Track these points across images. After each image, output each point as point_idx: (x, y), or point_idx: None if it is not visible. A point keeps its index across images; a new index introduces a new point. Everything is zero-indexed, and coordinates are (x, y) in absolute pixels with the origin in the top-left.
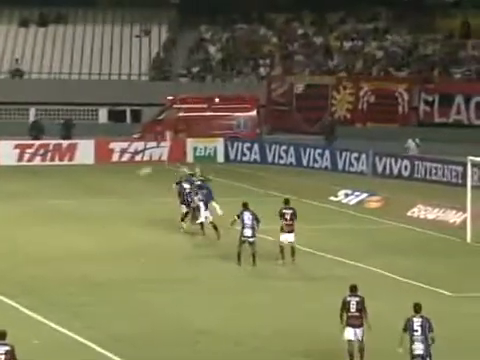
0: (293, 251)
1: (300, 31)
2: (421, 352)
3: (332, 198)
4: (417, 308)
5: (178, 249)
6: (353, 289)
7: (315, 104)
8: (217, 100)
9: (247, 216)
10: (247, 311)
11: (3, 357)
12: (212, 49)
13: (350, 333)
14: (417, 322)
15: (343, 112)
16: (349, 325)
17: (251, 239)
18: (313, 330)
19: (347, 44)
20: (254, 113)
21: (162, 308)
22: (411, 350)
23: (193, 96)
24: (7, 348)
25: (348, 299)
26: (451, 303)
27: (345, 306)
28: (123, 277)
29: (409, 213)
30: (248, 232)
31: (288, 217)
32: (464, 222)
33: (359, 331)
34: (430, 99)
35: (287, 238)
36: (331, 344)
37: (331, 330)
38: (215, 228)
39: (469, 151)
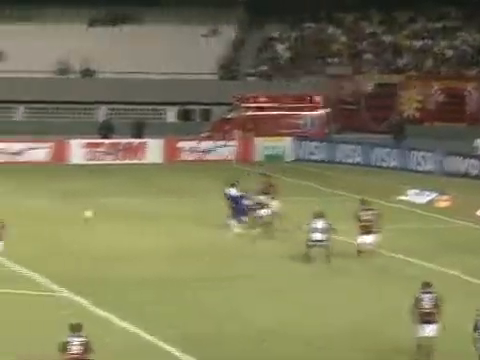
0: (371, 253)
1: (369, 30)
2: None
3: (401, 197)
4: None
5: (242, 248)
6: (426, 286)
7: (384, 103)
8: (285, 99)
9: (320, 223)
10: (313, 310)
11: (79, 348)
12: (280, 48)
13: (423, 330)
14: None
15: (412, 111)
16: (422, 322)
17: (320, 243)
18: (380, 330)
19: (417, 43)
20: (322, 112)
21: (227, 306)
22: None
23: (261, 95)
24: (83, 339)
25: (421, 296)
26: None
27: (417, 303)
28: (188, 276)
29: (478, 212)
30: (318, 236)
31: (366, 218)
32: None
33: (432, 327)
34: None
35: (365, 240)
36: (398, 343)
37: (398, 330)
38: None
39: None
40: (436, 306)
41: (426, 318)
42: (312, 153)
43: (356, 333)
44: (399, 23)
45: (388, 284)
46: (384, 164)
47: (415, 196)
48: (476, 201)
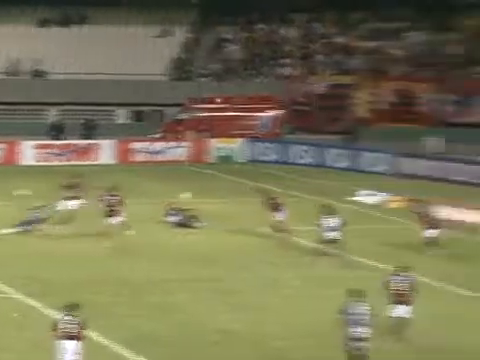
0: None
1: (321, 31)
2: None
3: (353, 198)
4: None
5: (203, 251)
6: (402, 269)
7: (336, 104)
8: (238, 100)
9: (332, 220)
10: (272, 312)
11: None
12: (232, 49)
13: (396, 310)
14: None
15: (364, 112)
16: (396, 302)
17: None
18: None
19: (368, 44)
20: (275, 113)
21: (184, 308)
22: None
23: (214, 96)
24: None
25: (394, 278)
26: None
27: (388, 284)
28: (147, 277)
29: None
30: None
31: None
32: None
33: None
34: (451, 99)
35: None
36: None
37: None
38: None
39: None
40: (410, 289)
41: (400, 299)
42: (264, 154)
43: (317, 335)
44: (351, 24)
45: (335, 287)
46: (336, 165)
47: (366, 197)
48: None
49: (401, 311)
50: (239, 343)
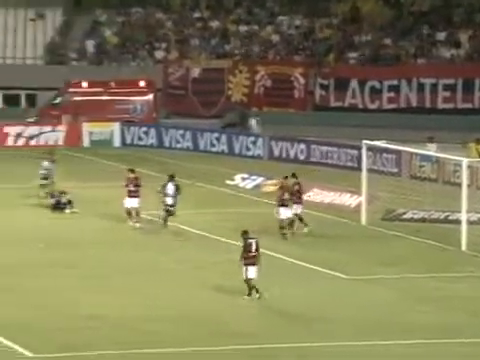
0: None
1: (196, 15)
2: None
3: (229, 182)
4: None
5: (69, 235)
6: (245, 233)
7: (211, 88)
8: (113, 84)
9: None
10: (138, 295)
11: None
12: (108, 33)
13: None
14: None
15: (239, 96)
16: (248, 264)
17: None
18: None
19: (243, 28)
20: (150, 97)
21: (52, 293)
22: None
23: (89, 80)
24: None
25: (249, 241)
26: (347, 286)
27: (247, 247)
28: (9, 262)
29: (305, 196)
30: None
31: None
32: (359, 205)
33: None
34: (326, 83)
35: None
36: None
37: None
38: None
39: (364, 135)
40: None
41: (252, 261)
42: (140, 138)
43: (192, 318)
44: (225, 8)
45: (212, 269)
46: (213, 149)
47: (242, 181)
48: (303, 185)
49: (253, 272)
50: (109, 327)
